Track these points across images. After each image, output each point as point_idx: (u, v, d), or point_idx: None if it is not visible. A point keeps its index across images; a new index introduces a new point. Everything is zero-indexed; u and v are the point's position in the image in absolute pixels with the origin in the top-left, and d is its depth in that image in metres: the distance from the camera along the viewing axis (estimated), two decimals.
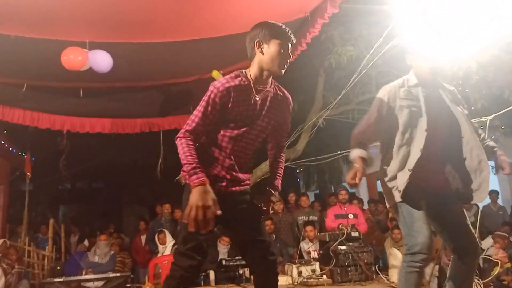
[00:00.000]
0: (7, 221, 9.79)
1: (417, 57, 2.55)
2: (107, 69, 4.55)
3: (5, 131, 8.50)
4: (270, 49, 2.11)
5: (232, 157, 2.19)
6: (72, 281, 6.01)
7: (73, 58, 4.37)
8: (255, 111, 2.18)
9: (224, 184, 2.18)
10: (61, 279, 5.96)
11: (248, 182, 2.31)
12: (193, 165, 2.01)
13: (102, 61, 4.48)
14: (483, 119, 3.99)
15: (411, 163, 2.35)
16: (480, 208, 6.29)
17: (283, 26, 2.17)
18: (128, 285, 5.99)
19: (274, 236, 6.42)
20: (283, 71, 2.16)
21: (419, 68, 2.53)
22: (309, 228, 6.26)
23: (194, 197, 1.93)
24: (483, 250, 5.87)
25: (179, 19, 4.18)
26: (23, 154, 9.16)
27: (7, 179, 10.26)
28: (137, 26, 4.21)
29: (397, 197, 2.38)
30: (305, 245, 6.21)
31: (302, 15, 4.59)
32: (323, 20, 4.43)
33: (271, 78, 2.23)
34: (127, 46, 4.57)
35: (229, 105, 2.11)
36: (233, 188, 2.21)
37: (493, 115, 4.08)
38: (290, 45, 2.15)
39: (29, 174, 8.29)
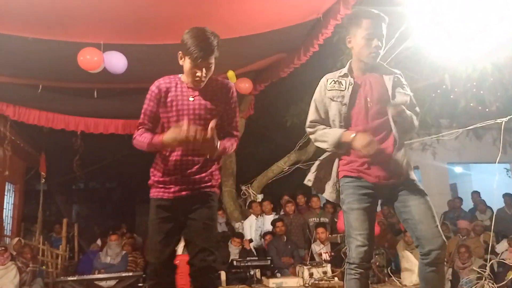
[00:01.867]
0: (22, 220, 9.95)
1: (360, 40, 2.35)
2: (122, 70, 4.60)
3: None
4: (186, 64, 2.24)
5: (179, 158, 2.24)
6: (85, 280, 6.07)
7: (89, 59, 4.43)
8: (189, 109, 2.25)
9: (172, 189, 2.25)
10: (74, 278, 6.03)
11: (207, 184, 2.30)
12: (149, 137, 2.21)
13: (117, 62, 4.53)
14: (498, 121, 3.94)
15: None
16: (495, 212, 6.21)
17: (199, 42, 2.18)
18: (140, 284, 6.01)
19: (285, 237, 6.41)
20: (201, 84, 2.25)
21: (360, 52, 2.35)
22: (320, 230, 6.23)
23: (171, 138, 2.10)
24: (498, 254, 5.79)
25: (193, 20, 4.19)
26: (38, 154, 9.30)
27: (22, 179, 10.43)
28: (151, 27, 4.25)
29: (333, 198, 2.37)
30: (316, 247, 6.18)
31: (314, 16, 4.60)
32: (336, 21, 4.43)
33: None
34: (141, 48, 4.62)
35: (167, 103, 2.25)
36: (185, 192, 2.26)
37: (509, 117, 4.02)
38: (203, 61, 2.18)
39: (43, 173, 8.41)
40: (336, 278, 5.18)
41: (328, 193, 2.42)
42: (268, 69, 6.33)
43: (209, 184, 2.31)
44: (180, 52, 2.26)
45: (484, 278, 4.66)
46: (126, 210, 13.99)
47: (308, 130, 2.47)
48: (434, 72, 5.93)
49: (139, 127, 2.31)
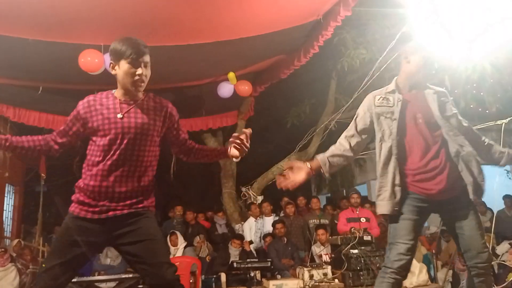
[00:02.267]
0: (22, 222, 9.94)
1: (401, 61, 2.48)
2: None
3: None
4: (121, 69, 2.14)
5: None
6: (84, 281, 6.06)
7: (90, 61, 4.44)
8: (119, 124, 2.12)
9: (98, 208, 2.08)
10: (74, 280, 6.02)
11: (139, 204, 2.14)
12: None
13: None
14: (498, 122, 3.95)
15: (396, 177, 2.31)
16: (495, 213, 6.20)
17: (130, 43, 2.15)
18: (140, 286, 6.01)
19: (285, 239, 6.41)
20: (142, 85, 2.16)
21: (402, 72, 2.46)
22: (320, 231, 6.23)
23: None
24: (498, 255, 5.79)
25: (194, 22, 4.22)
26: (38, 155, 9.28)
27: (22, 180, 10.42)
28: (151, 29, 4.25)
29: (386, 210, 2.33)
30: (316, 249, 6.18)
31: (314, 18, 4.61)
32: (336, 23, 4.44)
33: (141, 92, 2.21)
34: None
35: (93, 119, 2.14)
36: (114, 212, 2.08)
37: (509, 118, 4.03)
38: (139, 57, 2.13)
39: (43, 175, 8.40)
40: (336, 280, 5.18)
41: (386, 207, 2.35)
42: (268, 71, 6.33)
43: (140, 205, 2.13)
44: (111, 62, 2.17)
45: None
46: None
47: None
48: (433, 73, 5.93)
49: (54, 134, 2.26)
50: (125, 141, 2.09)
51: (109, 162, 2.09)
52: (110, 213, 2.07)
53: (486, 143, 2.43)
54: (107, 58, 4.52)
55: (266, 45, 5.03)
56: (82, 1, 3.81)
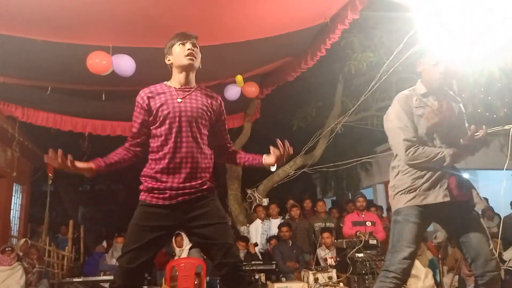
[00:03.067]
0: (28, 221, 10.01)
1: (428, 65, 2.48)
2: (130, 73, 4.63)
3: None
4: (174, 53, 2.36)
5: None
6: (90, 281, 6.09)
7: (98, 62, 4.48)
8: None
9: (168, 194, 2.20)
10: (80, 279, 6.06)
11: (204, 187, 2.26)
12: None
13: (125, 65, 4.57)
14: (506, 127, 3.92)
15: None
16: (502, 219, 6.16)
17: (175, 35, 2.41)
18: (145, 287, 6.03)
19: (290, 242, 6.40)
20: (194, 61, 2.33)
21: (429, 76, 2.47)
22: (326, 234, 6.22)
23: None
24: (505, 261, 5.74)
25: (200, 24, 4.24)
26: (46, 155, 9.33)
27: (29, 180, 10.49)
28: (159, 31, 4.27)
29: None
30: (321, 252, 6.16)
31: (322, 21, 4.61)
32: (344, 26, 4.44)
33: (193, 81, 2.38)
34: (149, 51, 4.65)
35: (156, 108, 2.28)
36: (182, 198, 2.21)
37: None
38: (188, 37, 2.35)
39: (50, 175, 8.46)
40: (341, 284, 5.16)
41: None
42: (275, 73, 6.34)
43: (205, 187, 2.26)
44: (166, 56, 2.40)
45: None
46: (132, 212, 14.01)
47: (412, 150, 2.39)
48: None
49: (128, 139, 2.35)
50: (185, 124, 2.22)
51: (172, 145, 2.21)
52: (180, 198, 2.20)
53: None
54: (115, 59, 4.56)
55: (273, 47, 5.04)
56: (90, 3, 3.84)
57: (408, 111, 2.39)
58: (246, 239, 6.64)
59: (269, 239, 6.66)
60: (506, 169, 3.81)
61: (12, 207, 9.35)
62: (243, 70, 5.76)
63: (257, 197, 8.18)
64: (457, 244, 2.43)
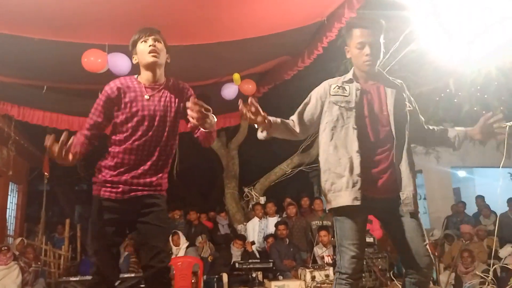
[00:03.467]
0: (25, 220, 9.98)
1: (353, 49, 2.31)
2: (126, 71, 4.61)
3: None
4: (139, 50, 2.32)
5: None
6: (87, 280, 6.08)
7: (93, 60, 4.45)
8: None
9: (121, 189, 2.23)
10: (77, 278, 6.04)
11: (157, 187, 2.29)
12: None
13: (121, 63, 4.55)
14: (502, 125, 3.93)
15: (352, 168, 2.18)
16: (498, 216, 6.19)
17: (137, 32, 2.36)
18: (142, 285, 6.02)
19: (287, 240, 6.40)
20: (157, 56, 2.28)
21: (356, 60, 2.32)
22: (323, 233, 6.23)
23: None
24: (501, 258, 5.77)
25: (198, 23, 4.23)
26: (42, 154, 9.32)
27: (25, 179, 10.46)
28: None
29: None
30: (318, 250, 6.18)
31: (319, 19, 4.60)
32: (341, 24, 4.43)
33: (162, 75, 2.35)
34: None
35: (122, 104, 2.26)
36: (134, 194, 2.24)
37: None
38: (150, 34, 2.31)
39: (47, 174, 8.44)
40: None
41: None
42: (272, 72, 6.33)
43: (158, 188, 2.29)
44: (132, 55, 2.37)
45: (487, 283, 4.65)
46: None
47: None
48: (438, 76, 5.92)
49: (88, 128, 2.29)
50: (150, 123, 2.25)
51: (134, 143, 2.23)
52: (132, 193, 2.22)
53: (438, 130, 2.38)
54: (110, 58, 4.54)
55: (270, 46, 5.03)
56: (88, 2, 3.83)
57: (320, 97, 2.34)
58: (243, 238, 6.65)
59: (266, 238, 6.67)
60: (502, 167, 3.83)
61: (8, 206, 9.32)
62: (240, 69, 5.75)
63: (254, 195, 8.19)
64: (391, 239, 2.35)
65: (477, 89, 5.76)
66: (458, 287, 5.70)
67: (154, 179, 2.27)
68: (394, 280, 5.14)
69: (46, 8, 3.83)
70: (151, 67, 2.29)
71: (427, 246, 2.18)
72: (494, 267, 4.87)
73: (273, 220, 6.91)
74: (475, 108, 6.03)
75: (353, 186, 2.16)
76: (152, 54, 2.25)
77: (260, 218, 7.06)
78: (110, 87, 2.28)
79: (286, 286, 5.17)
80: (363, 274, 5.03)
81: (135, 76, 2.36)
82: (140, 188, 2.23)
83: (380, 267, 5.12)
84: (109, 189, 2.23)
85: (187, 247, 6.54)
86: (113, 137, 2.28)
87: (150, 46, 2.25)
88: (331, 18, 4.56)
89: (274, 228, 6.67)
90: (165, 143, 2.30)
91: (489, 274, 4.63)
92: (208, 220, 7.97)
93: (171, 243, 6.61)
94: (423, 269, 2.14)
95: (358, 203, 2.14)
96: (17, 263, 5.92)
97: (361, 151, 2.18)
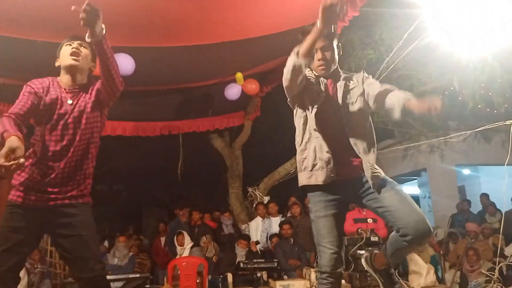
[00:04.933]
0: None
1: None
2: (129, 72, 4.62)
3: None
4: (62, 54, 2.29)
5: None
6: None
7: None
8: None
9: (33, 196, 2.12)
10: None
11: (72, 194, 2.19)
12: None
13: (124, 64, 4.55)
14: (507, 123, 3.92)
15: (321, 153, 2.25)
16: (503, 214, 6.15)
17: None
18: (147, 286, 6.04)
19: (292, 240, 6.40)
20: (78, 60, 2.25)
21: (312, 66, 2.42)
22: None
23: None
24: (506, 257, 5.75)
25: (200, 23, 4.23)
26: None
27: None
28: (158, 30, 4.27)
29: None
30: None
31: None
32: (343, 23, 4.42)
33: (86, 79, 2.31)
34: (149, 51, 4.64)
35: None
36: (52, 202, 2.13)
37: None
38: (75, 38, 2.28)
39: None
40: (343, 281, 5.17)
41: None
42: (275, 71, 6.32)
43: (78, 197, 2.19)
44: (56, 59, 2.32)
45: (493, 281, 4.63)
46: (133, 212, 14.03)
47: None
48: (442, 74, 5.90)
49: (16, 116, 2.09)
50: (70, 130, 2.17)
51: (52, 148, 2.14)
52: (51, 202, 2.13)
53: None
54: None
55: (272, 45, 5.03)
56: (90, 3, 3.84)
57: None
58: (247, 238, 6.65)
59: (270, 237, 6.66)
60: (507, 165, 3.81)
61: None
62: (243, 68, 5.76)
63: (258, 195, 8.19)
64: (383, 219, 2.31)
65: (481, 87, 5.73)
66: (464, 286, 5.68)
67: (69, 188, 2.17)
68: (399, 279, 5.13)
69: (48, 11, 3.84)
70: (71, 70, 2.24)
71: (420, 212, 2.11)
72: (500, 265, 4.85)
73: (276, 220, 6.91)
74: (479, 106, 6.01)
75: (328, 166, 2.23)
76: (72, 56, 2.22)
77: (263, 218, 7.06)
78: (35, 84, 2.22)
79: (291, 285, 5.16)
80: (368, 274, 5.02)
81: (57, 78, 2.31)
82: (60, 196, 2.14)
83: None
84: (23, 194, 2.11)
85: (191, 248, 6.55)
86: (32, 144, 2.18)
87: (72, 48, 2.23)
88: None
89: (277, 228, 6.66)
90: (83, 150, 2.21)
91: (494, 272, 4.61)
92: (212, 220, 7.98)
93: (176, 243, 6.63)
94: (419, 235, 2.06)
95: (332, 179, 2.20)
96: None
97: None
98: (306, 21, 4.66)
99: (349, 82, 2.38)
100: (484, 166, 9.92)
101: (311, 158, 2.29)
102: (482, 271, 5.32)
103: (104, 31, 2.10)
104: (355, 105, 2.33)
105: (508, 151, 3.73)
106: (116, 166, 11.79)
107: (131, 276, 6.11)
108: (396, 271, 5.22)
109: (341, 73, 2.41)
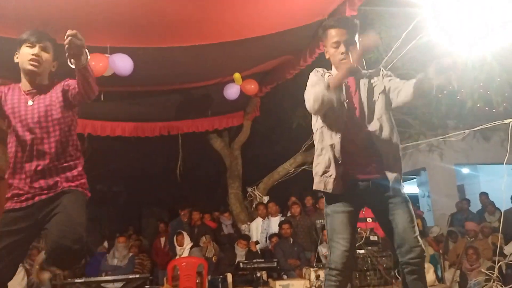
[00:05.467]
0: None
1: (330, 49, 2.37)
2: (128, 72, 4.62)
3: None
4: (21, 54, 2.25)
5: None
6: (92, 282, 6.09)
7: (94, 65, 4.46)
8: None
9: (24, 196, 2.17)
10: (82, 280, 6.06)
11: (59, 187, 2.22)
12: None
13: (123, 64, 4.56)
14: (506, 121, 3.92)
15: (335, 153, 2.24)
16: (503, 213, 6.16)
17: (29, 32, 2.25)
18: (147, 286, 6.04)
19: (291, 239, 6.40)
20: (39, 67, 2.22)
21: (333, 60, 2.39)
22: None
23: None
24: (506, 255, 5.75)
25: (199, 23, 4.23)
26: None
27: None
28: (157, 31, 4.27)
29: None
30: (323, 249, 6.17)
31: (320, 18, 4.59)
32: None
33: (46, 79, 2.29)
34: (148, 51, 4.64)
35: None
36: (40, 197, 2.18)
37: None
38: (37, 40, 2.23)
39: None
40: None
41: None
42: (274, 71, 6.33)
43: (60, 187, 2.21)
44: (16, 53, 2.27)
45: (492, 280, 4.63)
46: (132, 212, 14.02)
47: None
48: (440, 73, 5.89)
49: None
50: (36, 129, 2.18)
51: (25, 152, 2.17)
52: (36, 198, 2.16)
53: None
54: (112, 58, 4.55)
55: (271, 45, 5.03)
56: (89, 4, 3.84)
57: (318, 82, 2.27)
58: (247, 238, 6.65)
59: (270, 237, 6.66)
60: (506, 164, 3.81)
61: None
62: (242, 69, 5.76)
63: (257, 195, 8.19)
64: (383, 229, 2.36)
65: (480, 86, 5.74)
66: (464, 285, 5.68)
67: (51, 182, 2.20)
68: (399, 279, 5.13)
69: (46, 11, 3.84)
70: (29, 74, 2.24)
71: (418, 237, 2.19)
72: (499, 264, 4.85)
73: (275, 220, 6.91)
74: (478, 105, 6.01)
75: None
76: (31, 62, 2.20)
77: (264, 218, 7.07)
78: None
79: (291, 285, 5.17)
80: (368, 273, 5.02)
81: (19, 84, 2.31)
82: (45, 192, 2.18)
83: (384, 265, 5.11)
84: (15, 198, 2.18)
85: (191, 248, 6.55)
86: (9, 149, 2.22)
87: (32, 55, 2.20)
88: (333, 17, 4.55)
89: (276, 228, 6.67)
90: (58, 144, 2.23)
91: (494, 271, 4.61)
92: (212, 220, 7.98)
93: (176, 243, 6.63)
94: (416, 258, 2.18)
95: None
96: (22, 265, 5.93)
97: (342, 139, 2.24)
98: (304, 21, 4.67)
99: (372, 80, 2.37)
100: (483, 165, 9.93)
101: (324, 165, 2.30)
102: (482, 270, 5.32)
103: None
104: (378, 104, 2.32)
105: (507, 150, 3.73)
106: (115, 167, 11.78)
107: (130, 276, 6.11)
108: (396, 270, 5.23)
109: (363, 70, 2.40)
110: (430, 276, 5.16)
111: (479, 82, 5.58)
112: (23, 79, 2.28)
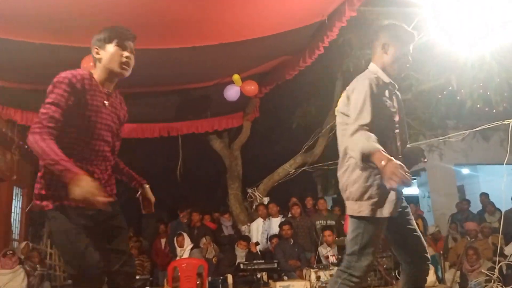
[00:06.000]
0: (29, 224, 10.00)
1: (378, 49, 2.35)
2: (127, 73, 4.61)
3: None
4: (107, 51, 2.08)
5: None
6: None
7: (92, 66, 4.46)
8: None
9: None
10: None
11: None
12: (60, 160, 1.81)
13: None
14: (506, 122, 3.92)
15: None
16: (503, 213, 6.16)
17: (119, 27, 2.14)
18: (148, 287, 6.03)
19: (292, 240, 6.39)
20: (127, 71, 2.10)
21: (381, 61, 2.34)
22: (327, 232, 6.22)
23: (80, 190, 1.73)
24: (506, 256, 5.74)
25: (198, 24, 4.23)
26: None
27: (29, 183, 10.48)
28: (157, 31, 4.27)
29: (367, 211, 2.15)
30: (323, 250, 6.16)
31: (320, 18, 4.60)
32: (341, 23, 4.43)
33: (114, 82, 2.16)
34: (147, 52, 4.63)
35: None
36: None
37: None
38: (129, 40, 2.10)
39: None
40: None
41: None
42: (274, 72, 6.34)
43: (114, 191, 2.24)
44: (95, 48, 2.09)
45: (492, 281, 4.63)
46: (132, 214, 14.04)
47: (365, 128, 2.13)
48: (440, 73, 5.90)
49: (46, 127, 1.90)
50: (104, 128, 2.06)
51: (89, 149, 2.02)
52: None
53: None
54: None
55: (271, 46, 5.03)
56: (87, 5, 3.84)
57: (372, 93, 2.17)
58: (247, 238, 6.64)
59: (270, 238, 6.66)
60: (506, 164, 3.81)
61: (12, 211, 9.33)
62: (242, 70, 5.76)
63: (257, 196, 8.18)
64: (393, 246, 2.41)
65: (479, 86, 5.74)
66: (464, 285, 5.67)
67: (109, 185, 2.21)
68: (399, 279, 5.12)
69: (46, 13, 3.84)
70: (116, 76, 2.09)
71: (426, 247, 2.29)
72: (499, 265, 4.85)
73: (276, 221, 6.90)
74: (478, 105, 6.02)
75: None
76: (124, 66, 2.05)
77: (264, 219, 7.06)
78: (73, 75, 1.98)
79: (291, 286, 5.16)
80: (368, 274, 5.01)
81: (90, 72, 2.10)
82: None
83: (385, 266, 5.10)
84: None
85: (191, 249, 6.55)
86: (66, 140, 1.99)
87: (126, 58, 2.05)
88: (332, 17, 4.56)
89: (277, 229, 6.66)
90: (114, 147, 2.18)
91: (494, 271, 4.61)
92: (212, 221, 7.97)
93: (176, 244, 6.62)
94: (422, 265, 2.25)
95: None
96: (23, 267, 5.93)
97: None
98: (304, 22, 4.68)
99: (398, 91, 2.40)
100: (483, 165, 9.93)
101: (346, 178, 2.32)
102: (482, 270, 5.32)
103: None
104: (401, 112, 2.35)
105: (507, 150, 3.73)
106: None
107: None
108: (397, 271, 5.23)
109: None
110: (430, 276, 5.14)
111: (479, 82, 5.58)
112: (100, 77, 2.07)
